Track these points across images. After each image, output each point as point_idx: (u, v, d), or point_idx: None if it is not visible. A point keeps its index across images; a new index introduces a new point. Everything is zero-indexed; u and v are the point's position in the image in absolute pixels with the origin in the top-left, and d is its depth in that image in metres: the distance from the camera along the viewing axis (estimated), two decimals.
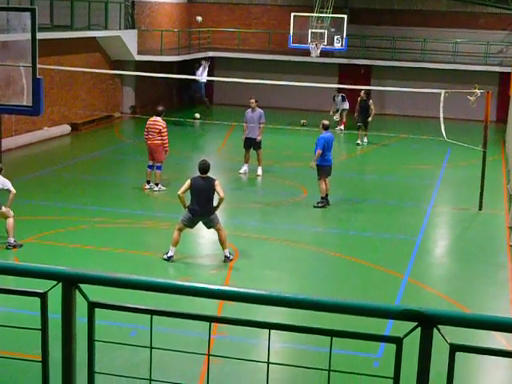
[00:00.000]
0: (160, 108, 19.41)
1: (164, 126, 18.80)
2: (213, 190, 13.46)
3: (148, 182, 19.10)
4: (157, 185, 18.96)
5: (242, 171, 21.28)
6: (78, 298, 2.86)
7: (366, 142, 26.85)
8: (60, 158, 23.22)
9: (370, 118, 26.36)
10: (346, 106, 29.45)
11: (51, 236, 14.94)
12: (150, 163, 19.00)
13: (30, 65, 8.34)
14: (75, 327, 2.90)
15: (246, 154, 21.11)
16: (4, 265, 2.92)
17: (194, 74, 30.79)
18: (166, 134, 18.79)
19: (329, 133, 17.98)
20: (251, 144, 20.92)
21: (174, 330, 10.19)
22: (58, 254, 13.95)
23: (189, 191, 13.64)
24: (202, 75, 31.05)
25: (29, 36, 8.30)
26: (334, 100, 30.06)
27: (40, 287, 2.90)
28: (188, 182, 13.61)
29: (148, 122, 19.04)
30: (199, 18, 31.79)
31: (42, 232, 15.08)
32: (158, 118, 18.93)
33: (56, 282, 2.82)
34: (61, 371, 2.92)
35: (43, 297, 2.87)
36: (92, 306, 2.85)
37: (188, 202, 13.68)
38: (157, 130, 18.68)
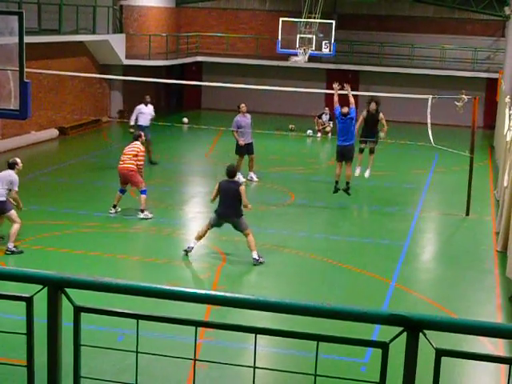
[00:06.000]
0: (136, 133, 17.92)
1: (142, 149, 17.12)
2: (237, 193, 14.01)
3: (114, 207, 17.09)
4: (142, 211, 16.87)
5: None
6: (64, 302, 2.85)
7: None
8: (47, 162, 23.16)
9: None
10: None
11: (39, 240, 14.88)
12: (123, 187, 17.10)
13: (18, 68, 8.31)
14: (61, 332, 2.89)
15: (242, 160, 20.67)
16: None
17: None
18: (142, 158, 17.10)
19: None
20: (248, 149, 20.72)
21: (160, 334, 10.16)
22: (45, 258, 13.89)
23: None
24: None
25: (16, 40, 8.27)
26: (319, 118, 29.68)
27: (26, 291, 2.89)
28: (216, 186, 14.32)
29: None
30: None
31: (29, 236, 15.01)
32: (137, 143, 17.18)
33: (42, 287, 2.81)
34: (46, 376, 2.90)
35: (29, 301, 2.86)
36: (78, 310, 2.84)
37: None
38: (133, 153, 16.87)
